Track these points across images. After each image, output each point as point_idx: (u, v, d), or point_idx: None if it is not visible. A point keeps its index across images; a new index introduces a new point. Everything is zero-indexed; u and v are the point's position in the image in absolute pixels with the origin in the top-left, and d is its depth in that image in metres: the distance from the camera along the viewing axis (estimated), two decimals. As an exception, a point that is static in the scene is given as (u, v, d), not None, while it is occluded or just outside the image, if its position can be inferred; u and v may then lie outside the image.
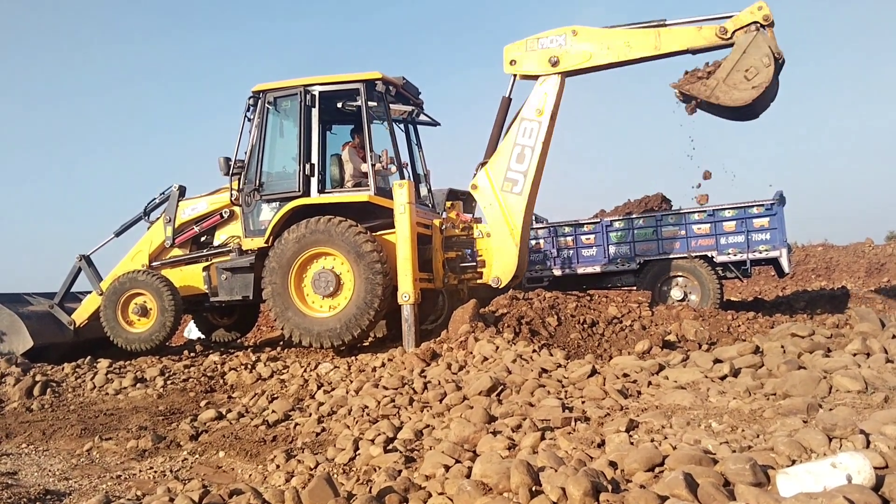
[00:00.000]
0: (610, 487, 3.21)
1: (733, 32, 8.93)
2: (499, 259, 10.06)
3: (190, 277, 11.05)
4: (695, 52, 9.30)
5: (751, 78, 8.72)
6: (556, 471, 3.49)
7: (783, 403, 4.53)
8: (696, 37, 9.17)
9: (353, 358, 9.70)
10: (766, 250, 11.73)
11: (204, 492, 4.26)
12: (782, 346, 6.17)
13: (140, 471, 5.76)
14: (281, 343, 11.72)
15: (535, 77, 9.83)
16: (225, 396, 8.47)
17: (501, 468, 3.59)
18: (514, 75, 9.98)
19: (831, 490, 2.75)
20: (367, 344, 10.90)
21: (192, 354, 10.90)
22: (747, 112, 9.36)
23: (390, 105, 10.57)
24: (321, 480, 3.51)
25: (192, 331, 15.12)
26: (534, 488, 3.36)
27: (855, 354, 5.70)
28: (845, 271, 18.32)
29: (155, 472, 5.72)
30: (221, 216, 10.98)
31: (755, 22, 8.85)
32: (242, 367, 9.61)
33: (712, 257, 11.95)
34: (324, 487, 3.46)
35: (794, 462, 3.40)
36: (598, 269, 12.64)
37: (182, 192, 11.21)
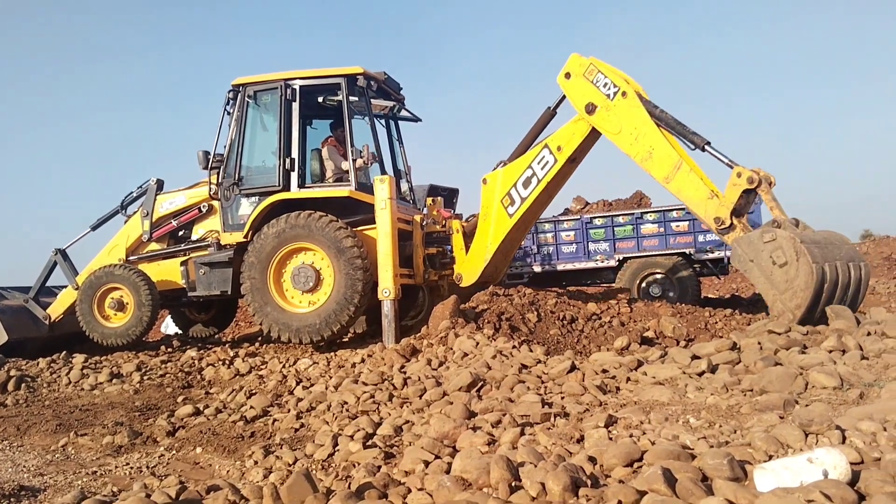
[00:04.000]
0: (589, 482, 3.22)
1: (729, 228, 8.02)
2: (469, 261, 10.24)
3: (167, 272, 10.95)
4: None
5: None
6: (535, 466, 3.49)
7: (760, 399, 4.56)
8: (699, 202, 8.20)
9: (332, 353, 9.66)
10: None
11: (181, 488, 4.22)
12: (759, 343, 6.22)
13: (116, 467, 5.70)
14: (259, 339, 11.66)
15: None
16: (202, 392, 8.40)
17: (481, 464, 3.59)
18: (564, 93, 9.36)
19: (808, 485, 2.77)
20: (347, 339, 10.86)
21: (169, 350, 10.81)
22: None
23: (371, 100, 10.52)
24: (300, 476, 3.48)
25: (168, 326, 15.01)
26: (513, 483, 3.37)
27: (831, 351, 5.75)
28: (821, 269, 18.47)
29: (131, 468, 5.66)
30: (200, 210, 10.89)
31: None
32: (220, 362, 9.54)
33: (690, 255, 12.04)
34: (302, 483, 3.44)
35: (771, 457, 3.42)
36: (577, 265, 12.69)
37: (160, 185, 11.11)
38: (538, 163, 9.42)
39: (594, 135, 9.17)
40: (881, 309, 7.35)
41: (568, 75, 9.17)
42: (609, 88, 8.72)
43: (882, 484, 2.73)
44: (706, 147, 8.20)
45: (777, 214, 7.87)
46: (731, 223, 7.97)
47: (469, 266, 10.22)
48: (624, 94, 8.60)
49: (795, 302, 7.17)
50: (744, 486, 2.85)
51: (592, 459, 3.66)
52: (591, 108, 8.87)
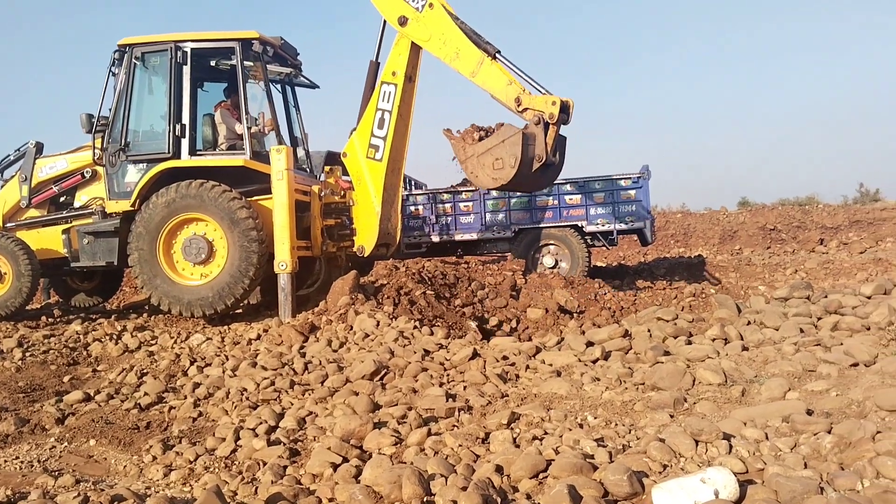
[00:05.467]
0: (499, 499, 3.35)
1: (525, 109, 8.71)
2: (363, 229, 10.13)
3: (48, 240, 10.38)
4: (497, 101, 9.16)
5: (496, 168, 8.57)
6: (446, 480, 3.59)
7: (652, 397, 4.84)
8: (501, 89, 8.92)
9: (226, 327, 9.48)
10: (632, 221, 12.34)
11: (83, 499, 4.09)
12: (649, 331, 6.55)
13: (5, 461, 5.42)
14: (147, 308, 11.27)
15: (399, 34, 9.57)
16: (90, 370, 8.07)
17: (392, 476, 3.66)
18: (382, 30, 9.77)
19: (701, 505, 3.00)
20: (241, 311, 10.64)
21: (52, 321, 10.31)
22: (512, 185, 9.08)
23: (267, 66, 10.19)
24: (211, 494, 3.45)
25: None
26: (425, 499, 3.45)
27: (714, 340, 6.15)
28: (701, 237, 19.55)
29: (21, 462, 5.39)
30: (83, 176, 10.33)
31: (542, 112, 8.57)
32: (107, 337, 9.17)
33: (582, 227, 12.44)
34: (214, 501, 3.41)
35: (665, 467, 3.66)
36: (474, 236, 12.87)
37: (39, 149, 10.47)
38: (382, 100, 9.74)
39: (417, 47, 9.62)
40: (760, 298, 7.87)
41: None
42: (417, 2, 9.38)
43: (766, 504, 2.98)
44: (497, 55, 8.99)
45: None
46: (527, 106, 8.73)
47: (365, 232, 10.10)
48: (431, 5, 9.27)
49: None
50: (645, 512, 3.04)
51: (500, 469, 3.79)
52: (403, 21, 9.43)
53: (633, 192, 12.35)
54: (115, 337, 9.20)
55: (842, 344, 5.80)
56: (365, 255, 10.13)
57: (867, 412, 4.31)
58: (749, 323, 6.55)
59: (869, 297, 7.21)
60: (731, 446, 3.79)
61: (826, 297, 7.43)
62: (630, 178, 12.35)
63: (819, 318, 6.71)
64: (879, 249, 16.90)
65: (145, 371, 7.59)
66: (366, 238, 10.11)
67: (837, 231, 19.63)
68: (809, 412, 4.35)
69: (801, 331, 6.37)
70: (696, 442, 3.82)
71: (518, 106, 8.75)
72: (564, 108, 8.59)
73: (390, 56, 9.67)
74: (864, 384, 4.80)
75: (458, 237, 12.92)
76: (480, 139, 8.80)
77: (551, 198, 12.52)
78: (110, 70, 9.85)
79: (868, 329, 6.20)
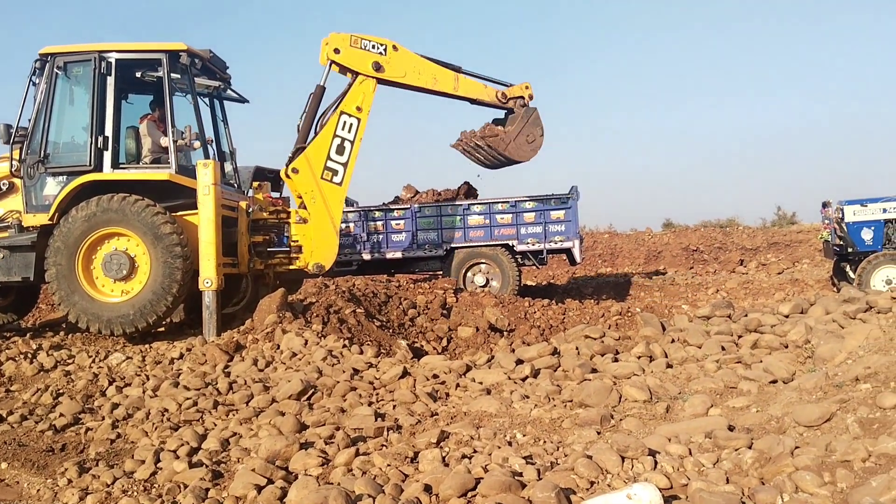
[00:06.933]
0: (427, 519, 3.30)
1: (508, 100, 11.14)
2: (321, 246, 10.33)
3: None
4: (479, 104, 11.26)
5: (530, 142, 11.09)
6: (374, 500, 3.53)
7: (580, 414, 4.88)
8: (483, 92, 11.15)
9: (147, 346, 9.17)
10: (561, 241, 12.51)
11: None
12: (577, 348, 6.62)
13: None
14: (64, 325, 10.83)
15: (354, 73, 10.45)
16: (2, 390, 7.71)
17: (318, 497, 3.57)
18: (330, 64, 10.41)
19: (627, 522, 3.01)
20: (163, 330, 10.32)
21: (-39, 339, 9.80)
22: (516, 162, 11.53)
23: (195, 79, 9.99)
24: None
25: None
26: (352, 520, 3.38)
27: (639, 357, 6.25)
28: (627, 258, 19.97)
29: (-73, 488, 5.10)
30: None
31: (522, 97, 11.17)
32: (22, 356, 8.76)
33: (513, 246, 12.54)
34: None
35: (592, 483, 3.67)
36: (406, 254, 12.82)
37: (-47, 160, 9.97)
38: (343, 129, 10.41)
39: (376, 87, 10.70)
40: (683, 317, 8.06)
41: (337, 51, 10.39)
42: (378, 49, 10.55)
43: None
44: (460, 70, 11.06)
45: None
46: (511, 96, 11.19)
47: (324, 249, 10.34)
48: (395, 47, 10.63)
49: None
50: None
51: (428, 488, 3.75)
52: (377, 67, 10.49)
53: (562, 213, 12.53)
54: (29, 356, 8.79)
55: (761, 361, 5.97)
56: (323, 273, 10.24)
57: (786, 428, 4.43)
58: (673, 341, 6.70)
59: (787, 316, 7.45)
60: (656, 462, 3.84)
61: (746, 315, 7.64)
62: (559, 198, 12.53)
63: (740, 336, 6.89)
64: (796, 270, 17.52)
65: (61, 391, 7.29)
66: (324, 255, 10.38)
67: (757, 252, 20.29)
68: (731, 428, 4.44)
69: (723, 348, 6.53)
70: (623, 458, 3.86)
71: (504, 99, 11.18)
72: None
73: (352, 92, 10.47)
74: (783, 400, 4.94)
75: (389, 255, 12.84)
76: (497, 133, 11.17)
77: (483, 216, 12.61)
78: (31, 79, 9.52)
79: (786, 347, 6.40)
